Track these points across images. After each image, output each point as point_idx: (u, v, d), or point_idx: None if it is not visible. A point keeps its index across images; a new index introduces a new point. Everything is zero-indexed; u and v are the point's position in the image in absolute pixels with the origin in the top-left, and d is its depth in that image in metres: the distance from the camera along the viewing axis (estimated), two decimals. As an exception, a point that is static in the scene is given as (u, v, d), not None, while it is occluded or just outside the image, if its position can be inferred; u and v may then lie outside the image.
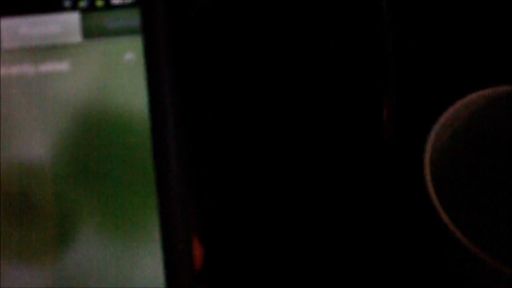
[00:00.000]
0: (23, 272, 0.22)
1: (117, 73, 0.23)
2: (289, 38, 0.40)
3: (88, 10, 0.23)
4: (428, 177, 0.33)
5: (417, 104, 0.41)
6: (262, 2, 0.40)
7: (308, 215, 0.38)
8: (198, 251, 0.24)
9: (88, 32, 0.23)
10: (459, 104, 0.36)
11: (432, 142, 0.34)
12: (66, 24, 0.23)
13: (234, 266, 0.37)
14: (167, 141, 0.23)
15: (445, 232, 0.32)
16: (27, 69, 0.23)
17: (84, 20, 0.23)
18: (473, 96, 0.36)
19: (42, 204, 0.23)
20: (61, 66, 0.23)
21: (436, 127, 0.35)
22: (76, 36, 0.23)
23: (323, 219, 0.38)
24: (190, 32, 0.24)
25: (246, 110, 0.40)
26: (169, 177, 0.23)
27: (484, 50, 0.43)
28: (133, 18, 0.24)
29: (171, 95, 0.23)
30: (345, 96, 0.39)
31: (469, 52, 0.43)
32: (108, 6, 0.23)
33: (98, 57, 0.23)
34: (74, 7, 0.23)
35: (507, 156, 0.39)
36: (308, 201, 0.38)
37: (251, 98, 0.40)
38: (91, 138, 0.23)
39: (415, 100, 0.41)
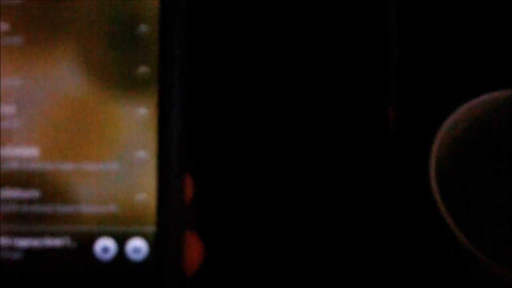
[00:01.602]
0: None
1: None
2: (296, 37, 0.40)
3: None
4: (433, 181, 0.33)
5: (421, 103, 0.41)
6: (266, 2, 0.40)
7: (311, 212, 0.38)
8: (196, 250, 0.24)
9: None
10: (463, 108, 0.36)
11: (436, 146, 0.34)
12: None
13: (234, 265, 0.37)
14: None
15: (448, 234, 0.32)
16: None
17: None
18: (476, 100, 0.37)
19: None
20: None
21: (441, 130, 0.35)
22: None
23: (326, 217, 0.38)
24: (189, 32, 0.24)
25: (251, 107, 0.40)
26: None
27: (489, 52, 0.43)
28: None
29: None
30: (351, 95, 0.39)
31: (474, 51, 0.43)
32: None
33: None
34: None
35: (510, 159, 0.39)
36: (311, 198, 0.38)
37: (257, 96, 0.40)
38: None
39: (420, 99, 0.41)
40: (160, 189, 0.23)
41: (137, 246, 0.23)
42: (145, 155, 0.24)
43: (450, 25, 0.43)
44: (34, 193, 0.24)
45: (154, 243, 0.23)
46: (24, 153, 0.24)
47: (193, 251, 0.24)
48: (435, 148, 0.34)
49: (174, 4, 0.24)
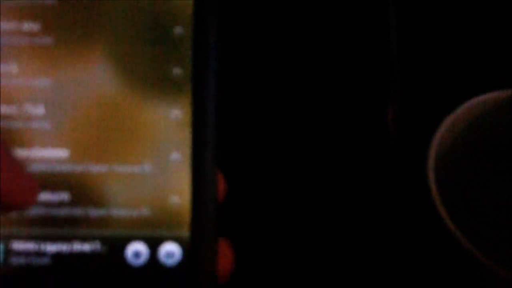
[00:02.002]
0: None
1: None
2: (295, 38, 0.40)
3: None
4: (431, 182, 0.33)
5: (421, 104, 0.41)
6: (268, 1, 0.40)
7: (311, 213, 0.38)
8: (229, 256, 0.24)
9: None
10: (462, 108, 0.36)
11: (435, 145, 0.34)
12: None
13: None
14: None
15: (447, 235, 0.32)
16: None
17: None
18: (476, 100, 0.37)
19: None
20: None
21: (440, 130, 0.35)
22: None
23: (326, 217, 0.37)
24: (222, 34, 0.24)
25: (252, 107, 0.39)
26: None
27: (489, 52, 0.43)
28: None
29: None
30: (350, 96, 0.40)
31: (474, 51, 0.43)
32: None
33: None
34: None
35: (510, 160, 0.40)
36: (311, 199, 0.38)
37: (254, 98, 0.40)
38: None
39: (420, 99, 0.41)
40: (194, 192, 0.23)
41: (170, 251, 0.23)
42: (179, 157, 0.23)
43: (450, 25, 0.43)
44: (63, 196, 0.23)
45: (188, 247, 0.23)
46: (53, 155, 0.23)
47: (225, 257, 0.23)
48: (433, 148, 0.34)
49: (208, 6, 0.24)
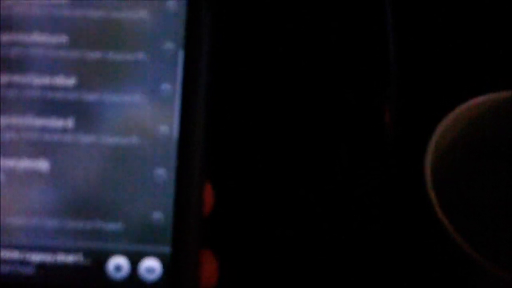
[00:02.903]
0: None
1: None
2: (291, 37, 0.40)
3: None
4: (428, 182, 0.33)
5: (418, 105, 0.41)
6: (265, 1, 0.40)
7: (308, 215, 0.38)
8: (212, 268, 0.24)
9: None
10: (459, 109, 0.36)
11: (432, 147, 0.34)
12: None
13: (233, 267, 0.36)
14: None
15: (445, 237, 0.32)
16: None
17: None
18: (473, 101, 0.37)
19: None
20: None
21: (437, 131, 0.35)
22: None
23: (323, 220, 0.38)
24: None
25: (244, 109, 0.39)
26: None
27: (487, 53, 0.43)
28: None
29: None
30: (347, 97, 0.39)
31: (472, 53, 0.43)
32: None
33: None
34: None
35: (508, 161, 0.40)
36: (308, 201, 0.38)
37: (250, 98, 0.40)
38: None
39: (417, 101, 0.41)
40: (177, 209, 0.23)
41: (151, 266, 0.23)
42: (164, 173, 0.23)
43: (448, 25, 0.43)
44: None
45: (169, 263, 0.23)
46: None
47: (208, 269, 0.23)
48: (431, 149, 0.34)
49: (201, 22, 0.24)
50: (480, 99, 0.37)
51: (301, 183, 0.38)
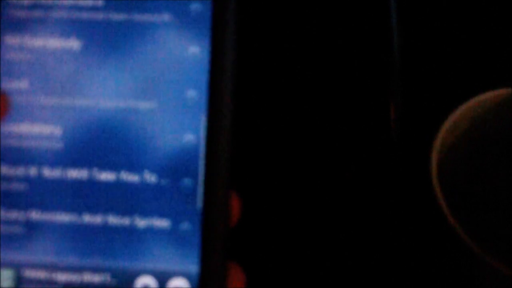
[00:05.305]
0: None
1: None
2: (297, 39, 0.40)
3: None
4: (434, 181, 0.33)
5: (423, 104, 0.41)
6: (271, 3, 0.39)
7: (314, 214, 0.38)
8: (239, 282, 0.24)
9: None
10: (464, 107, 0.36)
11: (437, 145, 0.35)
12: None
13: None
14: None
15: (451, 233, 0.32)
16: None
17: None
18: (479, 98, 0.37)
19: None
20: None
21: (442, 130, 0.35)
22: None
23: (329, 218, 0.38)
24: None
25: (250, 111, 0.39)
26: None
27: (493, 50, 0.43)
28: None
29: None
30: (353, 97, 0.39)
31: (478, 50, 0.43)
32: None
33: None
34: None
35: (511, 158, 0.40)
36: (314, 199, 0.38)
37: (256, 99, 0.40)
38: None
39: (422, 100, 0.41)
40: (204, 222, 0.23)
41: (179, 286, 0.23)
42: (190, 183, 0.23)
43: (451, 25, 0.43)
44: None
45: (197, 283, 0.23)
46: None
47: (235, 282, 0.23)
48: (436, 147, 0.34)
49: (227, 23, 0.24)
50: (485, 96, 0.37)
51: (307, 182, 0.38)
